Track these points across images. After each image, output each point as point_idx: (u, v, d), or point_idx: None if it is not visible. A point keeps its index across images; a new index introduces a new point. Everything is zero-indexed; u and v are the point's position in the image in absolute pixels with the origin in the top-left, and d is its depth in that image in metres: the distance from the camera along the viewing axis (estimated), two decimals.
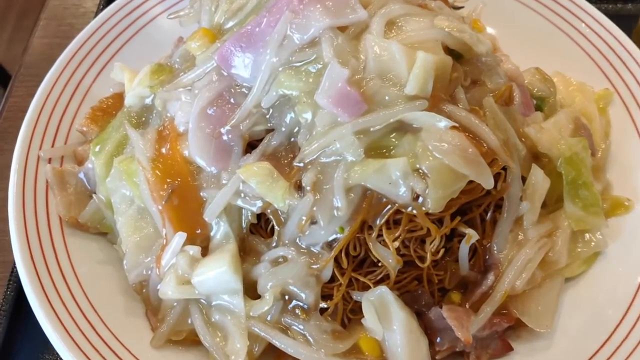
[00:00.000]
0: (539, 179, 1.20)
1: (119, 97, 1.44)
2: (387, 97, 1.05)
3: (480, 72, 1.20)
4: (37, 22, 1.99)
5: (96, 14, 1.87)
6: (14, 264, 1.38)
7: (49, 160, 1.34)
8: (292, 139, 1.15)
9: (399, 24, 1.12)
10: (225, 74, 1.18)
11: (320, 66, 1.07)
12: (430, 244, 1.10)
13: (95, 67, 1.51)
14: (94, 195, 1.28)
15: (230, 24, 1.21)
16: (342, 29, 1.10)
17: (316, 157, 1.07)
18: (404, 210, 1.05)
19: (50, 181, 1.31)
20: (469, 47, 1.17)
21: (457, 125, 1.03)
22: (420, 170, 1.02)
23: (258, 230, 1.20)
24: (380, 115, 1.04)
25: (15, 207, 1.26)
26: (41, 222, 1.28)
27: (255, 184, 1.08)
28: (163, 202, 1.15)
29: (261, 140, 1.18)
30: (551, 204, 1.29)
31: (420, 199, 1.02)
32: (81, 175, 1.34)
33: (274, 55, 1.09)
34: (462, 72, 1.17)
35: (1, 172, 1.61)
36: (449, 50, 1.15)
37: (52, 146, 1.37)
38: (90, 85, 1.48)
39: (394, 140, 1.06)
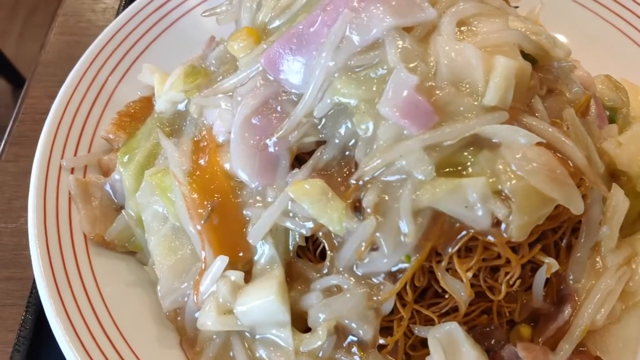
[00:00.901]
0: (619, 200, 1.07)
1: (147, 101, 1.32)
2: (461, 108, 0.93)
3: (556, 79, 1.08)
4: (54, 18, 1.88)
5: (118, 10, 1.75)
6: (33, 281, 1.27)
7: (72, 171, 1.23)
8: (347, 153, 1.02)
9: (471, 25, 1.00)
10: (272, 78, 1.06)
11: (383, 71, 0.95)
12: (507, 274, 0.98)
13: (120, 68, 1.39)
14: (122, 212, 1.16)
15: (277, 23, 1.08)
16: (407, 29, 0.98)
17: (378, 175, 0.95)
18: (480, 237, 0.93)
19: (73, 194, 1.19)
20: (546, 51, 1.04)
21: (542, 140, 0.91)
22: (502, 193, 0.90)
23: (305, 254, 1.08)
24: (455, 128, 0.91)
25: (35, 222, 1.14)
26: (64, 239, 1.16)
27: (307, 204, 0.96)
28: (202, 222, 1.03)
29: (311, 153, 1.07)
30: (627, 227, 1.16)
31: (503, 226, 0.90)
32: (107, 187, 1.22)
33: (329, 59, 0.97)
34: (538, 80, 1.05)
35: (17, 179, 1.50)
36: (523, 55, 1.03)
37: (75, 154, 1.26)
38: (115, 88, 1.36)
39: (468, 156, 0.93)
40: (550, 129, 0.96)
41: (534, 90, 1.03)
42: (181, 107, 1.21)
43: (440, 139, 0.92)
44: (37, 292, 1.15)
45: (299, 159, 1.08)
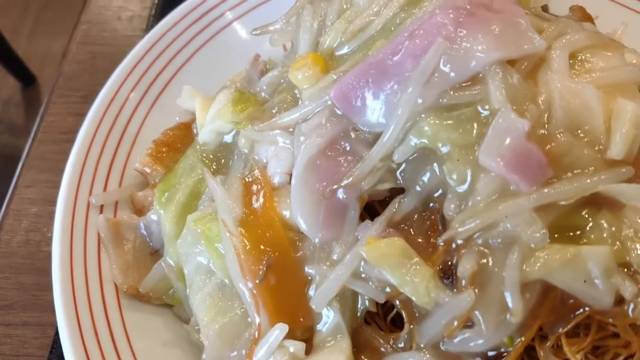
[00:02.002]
0: None
1: (186, 129, 1.17)
2: (580, 160, 0.78)
3: None
4: (77, 26, 1.72)
5: (148, 20, 1.59)
6: (56, 331, 1.12)
7: (101, 209, 1.08)
8: (431, 205, 0.88)
9: (583, 59, 0.84)
10: (340, 113, 0.91)
11: (485, 113, 0.79)
12: (616, 355, 0.83)
13: (153, 89, 1.24)
14: (160, 262, 1.00)
15: (346, 49, 0.93)
16: (511, 62, 0.83)
17: (475, 237, 0.80)
18: (598, 317, 0.78)
19: (103, 236, 1.04)
20: None
21: None
22: (631, 268, 0.75)
23: (374, 319, 0.92)
24: (573, 186, 0.76)
25: (60, 269, 0.99)
26: (92, 289, 1.01)
27: (387, 271, 0.81)
28: (257, 281, 0.88)
29: (383, 201, 0.92)
30: None
31: (630, 306, 0.75)
32: (141, 227, 1.07)
33: (417, 95, 0.81)
34: None
35: (36, 207, 1.34)
36: None
37: (104, 189, 1.11)
38: (148, 112, 1.21)
39: (586, 217, 0.78)
40: None
41: None
42: (228, 138, 1.06)
43: (555, 198, 0.76)
44: (60, 347, 1.00)
45: (368, 208, 0.94)
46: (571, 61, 0.84)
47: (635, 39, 1.33)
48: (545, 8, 1.58)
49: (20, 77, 3.87)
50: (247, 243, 0.90)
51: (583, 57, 0.84)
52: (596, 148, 0.78)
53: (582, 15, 1.23)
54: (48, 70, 4.19)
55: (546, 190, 0.76)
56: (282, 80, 1.06)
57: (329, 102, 0.89)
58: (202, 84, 1.27)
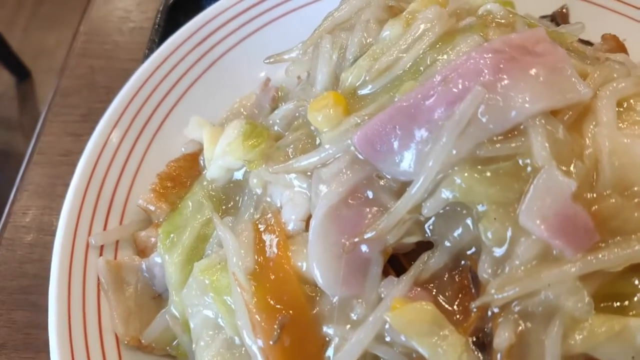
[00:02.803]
0: None
1: (192, 160, 1.09)
2: (629, 224, 0.71)
3: None
4: (75, 37, 1.64)
5: (152, 34, 1.51)
6: None
7: (100, 251, 1.01)
8: (463, 262, 0.81)
9: (630, 107, 0.77)
10: (362, 158, 0.84)
11: (527, 169, 0.73)
12: None
13: (156, 116, 1.16)
14: (166, 315, 0.93)
15: (371, 88, 0.85)
16: (554, 112, 0.76)
17: (512, 305, 0.74)
18: None
19: (103, 281, 0.97)
20: None
21: None
22: None
23: None
24: (623, 253, 0.69)
25: (57, 318, 0.92)
26: (91, 339, 0.94)
27: (415, 339, 0.74)
28: (271, 342, 0.82)
29: (409, 253, 0.85)
30: None
31: None
32: (144, 270, 1.01)
33: (451, 146, 0.74)
34: None
35: (31, 236, 1.27)
36: None
37: (105, 227, 1.04)
38: (151, 142, 1.13)
39: (634, 284, 0.72)
40: None
41: None
42: (238, 175, 0.99)
43: (602, 266, 0.69)
44: None
45: (391, 260, 0.87)
46: (618, 109, 0.78)
47: None
48: (565, 15, 1.53)
49: (15, 72, 3.79)
50: (260, 298, 0.83)
51: (630, 104, 0.77)
52: None
53: (616, 45, 1.17)
54: (43, 65, 4.11)
55: (593, 258, 0.69)
56: (297, 114, 0.99)
57: (352, 148, 0.83)
58: (208, 109, 1.21)
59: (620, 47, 1.16)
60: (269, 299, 0.84)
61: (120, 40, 1.61)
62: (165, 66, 1.18)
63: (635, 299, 0.71)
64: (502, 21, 0.85)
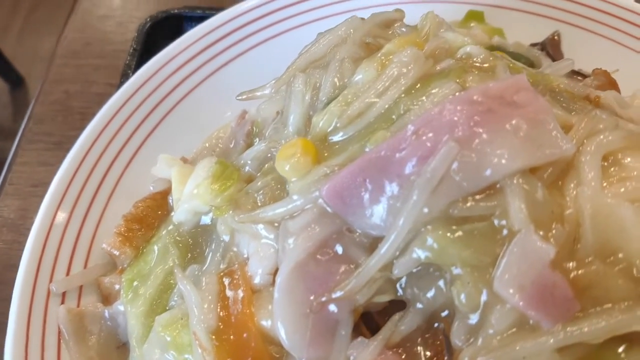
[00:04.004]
0: None
1: (162, 199, 1.04)
2: (611, 293, 0.66)
3: None
4: (52, 60, 1.60)
5: (128, 59, 1.46)
6: None
7: (62, 298, 0.96)
8: (436, 325, 0.76)
9: (617, 161, 0.72)
10: (331, 210, 0.79)
11: (503, 232, 0.68)
12: None
13: (126, 151, 1.11)
14: None
15: (341, 135, 0.81)
16: (533, 170, 0.71)
17: None
18: None
19: (64, 331, 0.92)
20: None
21: None
22: None
23: None
24: (603, 325, 0.64)
25: None
26: None
27: None
28: None
29: (383, 311, 0.80)
30: None
31: None
32: (107, 318, 0.95)
33: (422, 204, 0.70)
34: None
35: None
36: None
37: (68, 271, 0.99)
38: (119, 180, 1.08)
39: (618, 354, 0.66)
40: None
41: None
42: (206, 219, 0.94)
43: (583, 338, 0.64)
44: None
45: (365, 317, 0.82)
46: (604, 163, 0.73)
47: None
48: (555, 43, 1.49)
49: (7, 78, 3.75)
50: (222, 359, 0.79)
51: (617, 159, 0.72)
52: (633, 277, 0.66)
53: (606, 80, 1.12)
54: (36, 72, 4.07)
55: (572, 329, 0.64)
56: (269, 155, 0.94)
57: (320, 200, 0.78)
58: (181, 143, 1.16)
59: (611, 83, 1.12)
60: (232, 358, 0.79)
61: (99, 64, 1.56)
62: (134, 99, 1.13)
63: None
64: (483, 65, 0.81)
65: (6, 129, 3.86)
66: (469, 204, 0.69)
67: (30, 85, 3.95)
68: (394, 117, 0.77)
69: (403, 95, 0.78)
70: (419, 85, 0.79)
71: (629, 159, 0.72)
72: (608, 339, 0.67)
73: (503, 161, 0.67)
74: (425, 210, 0.70)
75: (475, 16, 1.39)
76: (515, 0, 1.44)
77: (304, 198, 0.79)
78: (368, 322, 0.82)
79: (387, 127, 0.77)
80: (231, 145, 1.11)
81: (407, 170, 0.72)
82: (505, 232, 0.67)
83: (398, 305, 0.80)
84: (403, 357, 0.75)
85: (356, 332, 0.81)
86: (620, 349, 0.67)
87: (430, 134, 0.70)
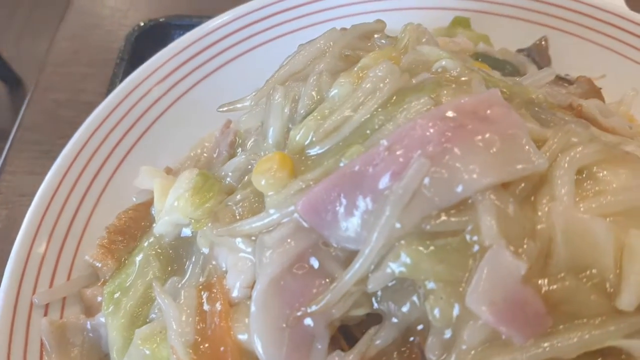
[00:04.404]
0: None
1: (145, 210, 1.05)
2: (584, 309, 0.66)
3: None
4: (43, 68, 1.61)
5: (115, 68, 1.46)
6: None
7: (45, 310, 0.97)
8: (412, 339, 0.76)
9: (592, 174, 0.72)
10: (307, 225, 0.79)
11: (473, 247, 0.68)
12: None
13: (110, 162, 1.11)
14: None
15: (317, 149, 0.81)
16: (505, 185, 0.71)
17: None
18: None
19: (46, 343, 0.92)
20: None
21: None
22: None
23: None
24: (576, 340, 0.64)
25: None
26: None
27: None
28: None
29: (361, 324, 0.80)
30: None
31: None
32: (89, 330, 0.95)
33: (395, 220, 0.70)
34: None
35: None
36: None
37: (51, 283, 0.99)
38: (103, 190, 1.08)
39: None
40: None
41: None
42: (187, 232, 0.95)
43: (555, 354, 0.64)
44: None
45: (343, 329, 0.82)
46: (578, 177, 0.72)
47: None
48: (543, 49, 1.48)
49: (6, 80, 3.76)
50: None
51: (592, 173, 0.72)
52: (606, 292, 0.66)
53: (590, 89, 1.12)
54: (35, 74, 4.07)
55: (544, 345, 0.64)
56: (249, 167, 0.94)
57: (295, 214, 0.78)
58: (166, 153, 1.16)
59: (595, 91, 1.12)
60: None
61: (88, 72, 1.56)
62: (120, 109, 1.13)
63: None
64: (458, 79, 0.81)
65: (1, 130, 3.87)
66: (441, 220, 0.69)
67: (28, 88, 3.96)
68: (368, 131, 0.77)
69: (378, 110, 0.78)
70: (394, 99, 0.79)
71: (604, 173, 0.72)
72: (582, 355, 0.67)
73: (474, 177, 0.67)
74: (398, 225, 0.70)
75: (461, 22, 1.39)
76: (503, 6, 1.44)
77: (280, 212, 0.79)
78: (347, 335, 0.83)
79: (362, 141, 0.77)
80: (215, 155, 1.11)
81: (381, 185, 0.72)
82: (477, 247, 0.67)
83: (376, 318, 0.80)
84: None
85: (335, 345, 0.81)
86: None
87: (403, 150, 0.70)
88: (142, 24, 1.48)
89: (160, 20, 1.50)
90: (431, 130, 0.70)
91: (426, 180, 0.68)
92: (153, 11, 1.72)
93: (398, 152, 0.71)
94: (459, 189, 0.68)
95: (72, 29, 1.65)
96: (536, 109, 0.85)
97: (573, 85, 1.13)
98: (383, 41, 0.97)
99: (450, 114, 0.71)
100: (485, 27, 1.43)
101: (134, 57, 1.46)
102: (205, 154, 1.17)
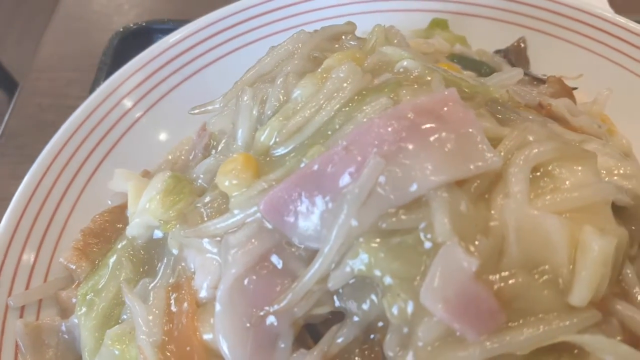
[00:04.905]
0: None
1: (120, 213, 1.06)
2: (537, 305, 0.67)
3: None
4: (28, 75, 1.62)
5: (97, 73, 1.48)
6: None
7: (21, 311, 0.98)
8: (373, 337, 0.77)
9: (548, 172, 0.73)
10: (270, 225, 0.80)
11: (428, 244, 0.69)
12: None
13: (87, 166, 1.13)
14: None
15: (282, 150, 0.82)
16: (460, 182, 0.72)
17: None
18: None
19: (21, 345, 0.93)
20: None
21: None
22: None
23: None
24: (529, 336, 0.65)
25: None
26: None
27: None
28: None
29: (326, 323, 0.81)
30: None
31: None
32: (64, 331, 0.96)
33: (352, 218, 0.71)
34: (629, 237, 0.78)
35: None
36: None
37: (27, 285, 1.01)
38: (81, 193, 1.10)
39: None
40: None
41: (625, 254, 0.77)
42: (158, 233, 0.96)
43: (507, 349, 0.65)
44: None
45: (310, 328, 0.83)
46: (533, 175, 0.73)
47: (624, 98, 1.26)
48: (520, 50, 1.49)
49: (4, 87, 3.78)
50: None
51: (548, 171, 0.73)
52: (557, 289, 0.67)
53: (561, 88, 1.13)
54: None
55: (496, 341, 0.65)
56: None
57: (258, 214, 0.79)
58: (143, 156, 1.17)
59: (566, 91, 1.13)
60: None
61: (73, 78, 1.58)
62: (97, 113, 1.15)
63: None
64: (419, 79, 0.82)
65: None
66: (397, 217, 0.70)
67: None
68: (329, 132, 0.78)
69: (340, 110, 0.79)
70: (355, 99, 0.80)
71: (560, 170, 0.73)
72: (538, 350, 0.67)
73: (428, 175, 0.68)
74: (356, 223, 0.71)
75: (439, 24, 1.40)
76: (481, 7, 1.45)
77: (243, 213, 0.80)
78: (315, 334, 0.84)
79: (323, 141, 0.78)
80: (191, 158, 1.12)
81: (339, 184, 0.72)
82: (430, 244, 0.68)
83: (341, 316, 0.81)
84: None
85: (302, 344, 0.82)
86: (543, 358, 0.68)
87: (360, 149, 0.71)
88: (121, 29, 1.49)
89: (142, 24, 1.51)
90: (387, 130, 0.71)
91: (382, 179, 0.70)
92: (139, 15, 1.75)
93: (355, 152, 0.72)
94: (413, 187, 0.69)
95: (57, 34, 1.67)
96: (499, 107, 0.86)
97: (544, 85, 1.14)
98: (352, 42, 0.99)
99: (406, 113, 0.72)
100: (463, 28, 1.44)
101: (117, 62, 1.47)
102: (183, 157, 1.18)
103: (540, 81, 1.24)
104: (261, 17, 1.26)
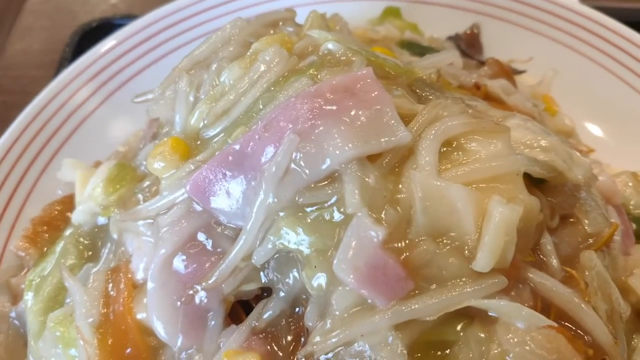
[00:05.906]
0: None
1: (70, 202, 1.08)
2: (444, 271, 0.69)
3: (571, 203, 0.84)
4: None
5: (58, 69, 1.50)
6: None
7: None
8: (298, 310, 0.79)
9: (460, 147, 0.75)
10: (198, 205, 0.83)
11: (340, 216, 0.71)
12: None
13: (41, 159, 1.15)
14: None
15: (211, 132, 0.84)
16: (373, 157, 0.74)
17: (334, 355, 0.72)
18: None
19: None
20: (559, 172, 0.80)
21: (551, 324, 0.67)
22: None
23: None
24: (435, 301, 0.67)
25: None
26: None
27: None
28: None
29: (257, 299, 0.83)
30: None
31: None
32: (13, 317, 0.99)
33: (270, 195, 0.73)
34: (549, 209, 0.81)
35: None
36: (529, 179, 0.79)
37: None
38: (34, 184, 1.12)
39: (457, 331, 0.69)
40: (563, 291, 0.72)
41: (543, 225, 0.79)
42: (102, 220, 0.98)
43: (414, 315, 0.68)
44: None
45: (243, 303, 0.85)
46: (446, 148, 0.75)
47: (570, 77, 1.28)
48: (474, 37, 1.50)
49: None
50: (103, 351, 0.82)
51: (460, 144, 0.75)
52: (464, 256, 0.69)
53: (499, 69, 1.15)
54: None
55: (404, 307, 0.67)
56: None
57: (186, 195, 0.82)
58: (97, 148, 1.20)
59: (504, 72, 1.15)
60: (112, 352, 0.82)
61: (36, 75, 1.60)
62: (49, 109, 1.18)
63: (456, 347, 0.69)
64: (343, 60, 0.84)
65: None
66: (311, 192, 0.72)
67: None
68: (254, 113, 0.81)
69: (265, 92, 0.82)
70: (280, 81, 0.82)
71: (472, 144, 0.75)
72: (449, 316, 0.70)
73: (338, 151, 0.70)
74: (275, 200, 0.73)
75: (392, 12, 1.43)
76: None
77: (172, 194, 0.82)
78: (249, 310, 0.86)
79: (247, 123, 0.80)
80: (141, 147, 1.15)
81: (260, 163, 0.75)
82: (342, 216, 0.70)
83: (270, 292, 0.83)
84: (268, 341, 0.78)
85: (236, 320, 0.84)
86: (459, 326, 0.70)
87: (277, 128, 0.74)
88: (79, 27, 1.51)
89: (104, 21, 1.53)
90: (302, 108, 0.73)
91: (297, 156, 0.72)
92: (104, 13, 1.77)
93: (273, 130, 0.74)
94: (326, 162, 0.71)
95: (23, 32, 1.70)
96: (426, 88, 0.88)
97: (484, 67, 1.16)
98: (289, 29, 1.01)
99: (322, 91, 0.74)
100: (417, 16, 1.46)
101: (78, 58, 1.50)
102: (134, 147, 1.20)
103: (478, 62, 1.27)
104: (216, 8, 1.28)
